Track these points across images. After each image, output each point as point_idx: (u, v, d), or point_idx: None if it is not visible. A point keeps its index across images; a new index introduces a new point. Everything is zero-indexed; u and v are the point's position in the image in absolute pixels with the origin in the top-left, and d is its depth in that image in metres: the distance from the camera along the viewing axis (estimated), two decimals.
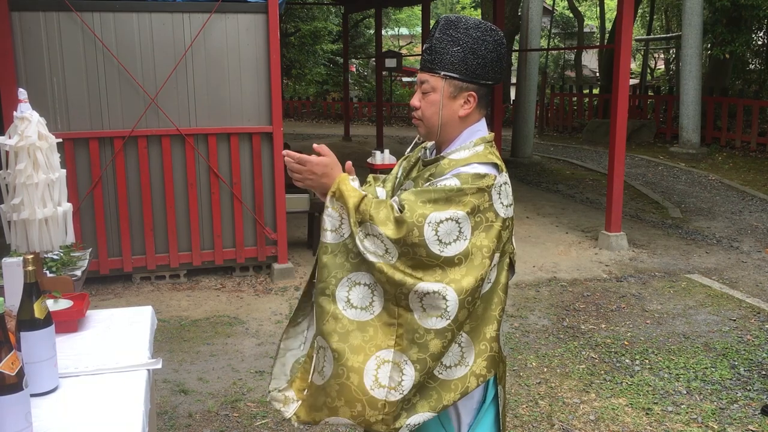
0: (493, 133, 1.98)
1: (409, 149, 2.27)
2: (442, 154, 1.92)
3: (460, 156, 1.87)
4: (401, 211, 1.76)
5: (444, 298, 1.73)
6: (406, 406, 1.79)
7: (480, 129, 1.93)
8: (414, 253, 1.73)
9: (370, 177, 2.23)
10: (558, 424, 3.67)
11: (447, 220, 1.73)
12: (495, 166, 1.85)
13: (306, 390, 1.87)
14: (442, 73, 1.85)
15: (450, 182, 1.78)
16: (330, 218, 1.82)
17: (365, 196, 1.82)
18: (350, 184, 1.83)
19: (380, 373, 1.76)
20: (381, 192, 2.15)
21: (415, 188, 1.89)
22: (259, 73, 5.86)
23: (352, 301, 1.79)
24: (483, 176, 1.79)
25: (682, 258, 6.75)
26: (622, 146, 6.86)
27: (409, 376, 1.75)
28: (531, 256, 6.68)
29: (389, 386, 1.75)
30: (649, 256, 6.79)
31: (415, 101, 1.92)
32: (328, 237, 1.83)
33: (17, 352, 1.56)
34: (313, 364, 1.86)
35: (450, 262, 1.74)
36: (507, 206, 1.85)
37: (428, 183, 1.85)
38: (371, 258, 1.76)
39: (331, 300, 1.80)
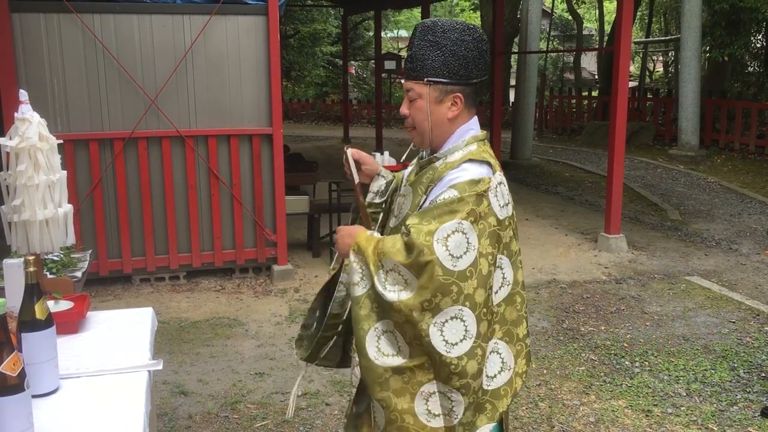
0: (486, 131, 1.98)
1: (404, 157, 2.33)
2: (436, 155, 1.93)
3: (454, 158, 1.88)
4: (408, 235, 1.77)
5: (462, 320, 1.76)
6: (468, 427, 1.83)
7: (471, 128, 1.94)
8: (429, 273, 1.73)
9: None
10: (558, 426, 3.67)
11: (454, 232, 1.74)
12: (488, 165, 1.85)
13: None
14: (426, 79, 1.87)
15: (448, 194, 1.79)
16: (355, 272, 1.86)
17: (381, 239, 1.85)
18: (367, 235, 1.89)
19: (431, 405, 1.80)
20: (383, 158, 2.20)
21: (414, 197, 1.92)
22: (259, 75, 5.87)
23: (382, 350, 1.81)
24: (478, 181, 1.80)
25: (682, 260, 6.75)
26: (621, 148, 6.87)
27: (459, 401, 1.80)
28: (530, 258, 6.69)
29: (444, 413, 1.80)
30: (648, 258, 6.80)
31: (403, 109, 1.95)
32: (355, 290, 1.85)
33: (18, 353, 1.56)
34: (372, 418, 1.89)
35: (463, 277, 1.75)
36: (503, 206, 1.86)
37: (426, 197, 1.87)
38: (390, 297, 1.76)
39: (364, 353, 1.82)
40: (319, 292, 2.11)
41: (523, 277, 1.95)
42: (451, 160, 1.88)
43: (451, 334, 1.76)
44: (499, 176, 1.87)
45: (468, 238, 1.75)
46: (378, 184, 2.17)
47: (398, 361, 1.79)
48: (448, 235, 1.74)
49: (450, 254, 1.73)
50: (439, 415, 1.80)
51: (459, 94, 1.89)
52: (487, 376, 1.86)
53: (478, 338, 1.80)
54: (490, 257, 1.80)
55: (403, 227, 1.83)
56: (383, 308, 1.80)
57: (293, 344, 2.23)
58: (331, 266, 2.06)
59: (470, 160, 1.85)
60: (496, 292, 1.86)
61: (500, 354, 1.88)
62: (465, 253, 1.75)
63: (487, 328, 1.83)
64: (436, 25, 1.87)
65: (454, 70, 1.86)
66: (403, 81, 1.94)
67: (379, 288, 1.79)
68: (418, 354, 1.78)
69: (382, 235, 2.07)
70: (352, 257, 1.86)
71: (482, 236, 1.78)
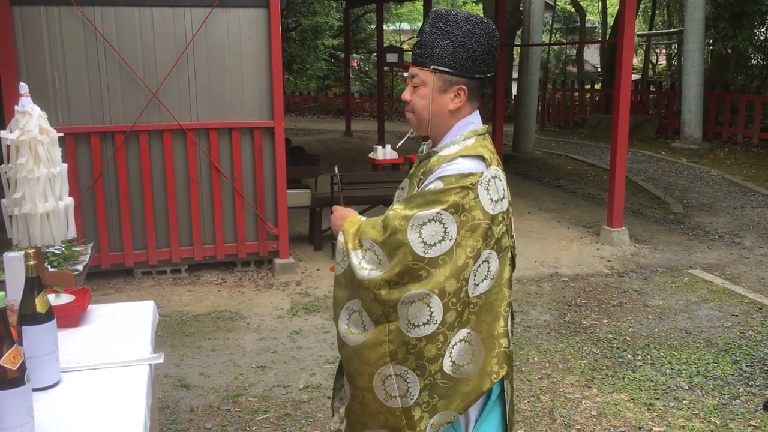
0: (487, 126, 1.97)
1: (400, 143, 2.35)
2: (435, 149, 1.92)
3: (450, 151, 1.87)
4: (386, 218, 1.82)
5: (428, 305, 1.77)
6: (427, 408, 1.85)
7: (472, 122, 1.92)
8: (401, 256, 1.76)
9: None
10: (560, 419, 3.67)
11: (431, 221, 1.76)
12: (482, 159, 1.83)
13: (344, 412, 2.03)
14: (432, 66, 1.85)
15: (434, 185, 1.80)
16: (338, 253, 1.93)
17: (366, 221, 1.92)
18: (356, 218, 1.96)
19: (387, 386, 1.84)
20: None
21: (410, 189, 1.95)
22: (260, 68, 5.85)
23: (350, 328, 1.89)
24: (467, 175, 1.79)
25: (684, 253, 6.74)
26: (624, 141, 6.85)
27: (414, 382, 1.83)
28: (532, 252, 6.68)
29: (400, 395, 1.83)
30: (650, 251, 6.79)
31: (406, 95, 1.93)
32: (337, 269, 1.94)
33: (19, 346, 1.56)
34: (344, 390, 2.02)
35: (434, 264, 1.76)
36: (497, 201, 1.83)
37: (418, 189, 1.90)
38: (361, 274, 1.82)
39: (337, 329, 1.92)
40: None
41: (511, 274, 1.92)
42: (445, 154, 1.87)
43: (415, 316, 1.78)
44: (494, 170, 1.85)
45: (446, 228, 1.76)
46: None
47: (360, 339, 1.85)
48: (424, 223, 1.76)
49: (423, 241, 1.75)
50: (396, 397, 1.83)
51: (463, 86, 1.87)
52: (455, 363, 1.84)
53: (443, 326, 1.79)
54: (469, 249, 1.78)
55: (386, 213, 1.86)
56: (355, 287, 1.85)
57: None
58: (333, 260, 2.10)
59: (463, 156, 1.83)
60: (477, 285, 1.84)
61: (471, 345, 1.86)
62: (440, 241, 1.76)
63: (455, 317, 1.80)
64: (449, 14, 1.85)
65: (462, 62, 1.84)
66: (406, 71, 1.94)
67: (355, 265, 1.83)
68: (378, 333, 1.82)
69: None
70: (339, 238, 1.93)
71: (463, 228, 1.77)
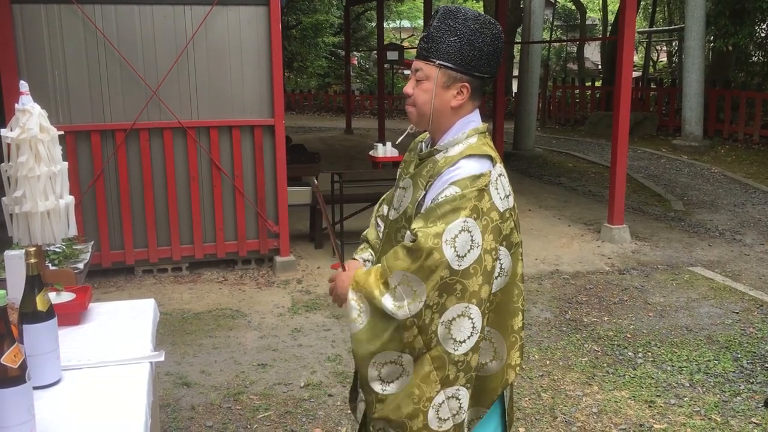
0: (487, 124, 1.96)
1: (399, 139, 2.33)
2: (436, 147, 1.91)
3: (455, 151, 1.85)
4: (414, 240, 1.75)
5: (469, 317, 1.77)
6: (452, 399, 1.85)
7: (473, 120, 1.91)
8: (439, 277, 1.72)
9: (385, 195, 2.22)
10: (560, 417, 3.67)
11: (461, 232, 1.73)
12: (489, 158, 1.83)
13: None
14: (437, 62, 1.84)
15: (449, 192, 1.76)
16: (352, 310, 1.82)
17: (382, 261, 1.82)
18: (363, 269, 1.87)
19: (441, 412, 1.81)
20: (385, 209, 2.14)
21: (414, 190, 1.89)
22: (260, 66, 5.85)
23: (388, 381, 1.80)
24: (479, 176, 1.78)
25: (685, 251, 6.74)
26: (625, 139, 6.84)
27: (465, 397, 1.83)
28: (533, 249, 6.68)
29: (452, 414, 1.82)
30: (651, 248, 6.78)
31: (408, 89, 1.92)
32: (354, 327, 1.82)
33: (20, 344, 1.56)
34: None
35: (467, 275, 1.74)
36: (504, 198, 1.84)
37: (426, 193, 1.84)
38: (402, 313, 1.73)
39: (369, 390, 1.82)
40: None
41: (523, 269, 1.94)
42: (451, 154, 1.85)
43: (459, 332, 1.76)
44: (499, 168, 1.86)
45: (472, 236, 1.74)
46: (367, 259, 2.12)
47: (404, 383, 1.79)
48: (456, 236, 1.72)
49: (457, 254, 1.72)
50: (448, 419, 1.81)
51: (467, 84, 1.86)
52: (480, 363, 1.87)
53: (482, 332, 1.81)
54: (493, 252, 1.79)
55: (408, 233, 1.80)
56: (389, 334, 1.77)
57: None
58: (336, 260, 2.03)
59: (469, 156, 1.82)
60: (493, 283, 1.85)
61: (492, 342, 1.88)
62: (469, 251, 1.74)
63: (486, 321, 1.84)
64: (458, 11, 1.85)
65: (467, 59, 1.84)
66: (406, 69, 1.92)
67: (390, 309, 1.74)
68: (423, 367, 1.77)
69: (383, 228, 2.07)
70: (350, 295, 1.82)
71: (486, 232, 1.76)
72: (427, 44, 1.86)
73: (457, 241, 1.72)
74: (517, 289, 1.90)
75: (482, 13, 1.90)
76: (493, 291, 1.84)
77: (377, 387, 1.81)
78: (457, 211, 1.73)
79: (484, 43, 1.84)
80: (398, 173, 2.10)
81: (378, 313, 1.77)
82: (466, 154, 1.82)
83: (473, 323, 1.77)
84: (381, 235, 2.10)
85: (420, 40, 1.92)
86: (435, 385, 1.79)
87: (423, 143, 2.01)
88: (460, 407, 1.82)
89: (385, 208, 2.16)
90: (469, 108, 1.91)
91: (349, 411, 2.20)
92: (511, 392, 2.05)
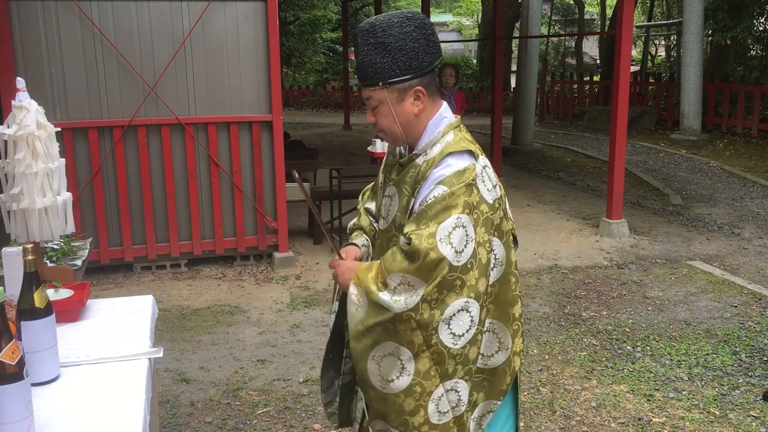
0: (459, 117, 1.94)
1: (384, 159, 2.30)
2: (415, 152, 1.89)
3: (435, 151, 1.84)
4: (409, 244, 1.75)
5: (467, 311, 1.77)
6: (469, 407, 1.87)
7: (444, 116, 1.89)
8: (438, 272, 1.72)
9: (366, 188, 2.24)
10: (559, 411, 3.67)
11: (455, 228, 1.72)
12: (470, 153, 1.82)
13: None
14: (380, 83, 1.82)
15: (437, 192, 1.76)
16: (351, 304, 1.83)
17: (381, 260, 1.83)
18: (365, 264, 1.87)
19: (441, 406, 1.82)
20: (371, 205, 2.17)
21: (400, 197, 1.89)
22: (258, 62, 5.84)
23: (385, 377, 1.80)
24: (464, 171, 1.77)
25: (684, 245, 6.74)
26: (623, 133, 6.84)
27: (464, 389, 1.83)
28: (532, 244, 6.68)
29: (451, 407, 1.83)
30: (650, 243, 6.79)
31: (369, 118, 1.91)
32: (352, 320, 1.83)
33: (18, 341, 1.56)
34: None
35: (465, 270, 1.74)
36: (491, 189, 1.83)
37: (414, 199, 1.83)
38: (398, 306, 1.74)
39: (370, 385, 1.83)
40: (326, 349, 2.15)
41: (516, 257, 1.94)
42: (431, 155, 1.84)
43: (458, 326, 1.77)
44: (483, 160, 1.85)
45: (467, 231, 1.74)
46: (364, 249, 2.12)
47: (405, 381, 1.79)
48: (450, 233, 1.72)
49: (455, 250, 1.72)
50: (447, 411, 1.82)
51: (419, 87, 1.83)
52: (483, 355, 1.87)
53: (480, 324, 1.81)
54: (487, 245, 1.79)
55: (402, 237, 1.80)
56: (384, 328, 1.77)
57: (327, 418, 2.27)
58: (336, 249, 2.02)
59: (451, 153, 1.81)
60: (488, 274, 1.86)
61: (496, 334, 1.89)
62: (466, 246, 1.74)
63: (485, 313, 1.84)
64: (374, 26, 1.81)
65: (406, 65, 1.80)
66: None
67: (386, 302, 1.75)
68: (423, 363, 1.78)
69: (375, 237, 2.07)
70: (351, 289, 1.84)
71: (477, 225, 1.76)
72: (363, 72, 1.84)
73: (452, 237, 1.72)
74: (514, 276, 1.91)
75: (396, 12, 1.85)
76: (491, 282, 1.84)
77: (377, 382, 1.80)
78: (448, 209, 1.73)
79: (413, 40, 1.80)
80: (380, 175, 2.09)
81: (374, 305, 1.78)
82: (446, 153, 1.81)
83: (471, 317, 1.78)
84: (375, 235, 2.10)
85: (356, 70, 1.88)
86: (435, 379, 1.79)
87: (402, 148, 1.98)
88: (459, 399, 1.83)
89: (371, 205, 2.16)
90: (433, 106, 1.89)
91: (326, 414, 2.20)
92: (518, 380, 2.06)
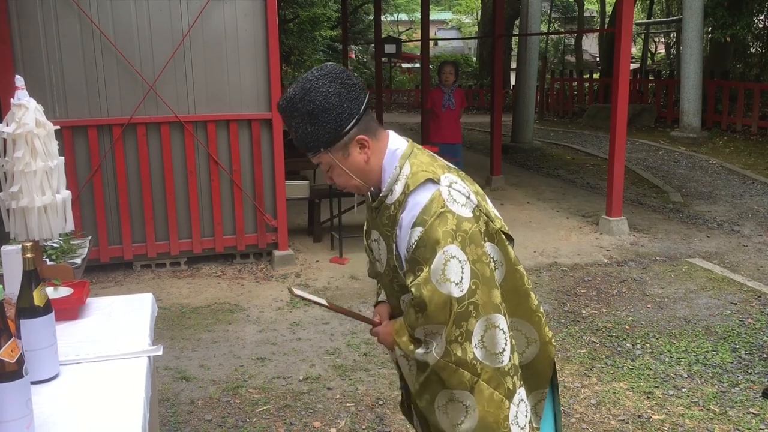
0: (409, 139, 1.92)
1: (356, 207, 2.32)
2: (382, 194, 1.88)
3: (398, 190, 1.82)
4: (413, 298, 1.77)
5: (495, 326, 1.80)
6: (520, 403, 1.91)
7: (395, 148, 1.86)
8: (451, 313, 1.74)
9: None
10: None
11: (446, 263, 1.72)
12: (429, 180, 1.79)
13: None
14: (321, 149, 1.82)
15: (415, 235, 1.75)
16: (405, 365, 1.93)
17: (404, 321, 1.89)
18: (397, 325, 1.91)
19: (519, 421, 1.87)
20: None
21: (385, 240, 1.90)
22: (257, 60, 5.83)
23: (454, 421, 1.83)
24: (431, 203, 1.75)
25: (683, 242, 6.74)
26: (623, 131, 6.84)
27: (524, 393, 1.92)
28: (531, 242, 6.68)
29: (524, 416, 1.90)
30: (650, 240, 6.79)
31: (328, 179, 1.93)
32: (409, 381, 1.93)
33: (17, 339, 1.56)
34: None
35: (472, 293, 1.75)
36: (465, 203, 1.79)
37: (396, 244, 1.85)
38: (432, 356, 1.79)
39: None
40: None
41: (514, 253, 1.93)
42: (396, 194, 1.82)
43: (493, 344, 1.79)
44: (446, 178, 1.80)
45: (458, 258, 1.73)
46: None
47: (474, 418, 1.81)
48: (443, 269, 1.72)
49: (454, 283, 1.73)
50: (525, 424, 1.89)
51: (358, 136, 1.81)
52: (517, 353, 1.91)
53: (510, 331, 1.86)
54: (483, 257, 1.78)
55: (410, 296, 1.80)
56: (437, 379, 1.81)
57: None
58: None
59: (413, 192, 1.78)
60: None
61: (520, 330, 1.92)
62: (462, 272, 1.74)
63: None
64: (292, 99, 1.78)
65: (335, 123, 1.77)
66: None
67: (422, 355, 1.81)
68: (481, 393, 1.80)
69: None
70: (397, 351, 1.91)
71: (466, 246, 1.74)
72: (302, 145, 1.84)
73: (447, 273, 1.72)
74: (518, 272, 1.89)
75: (306, 75, 1.81)
76: (497, 284, 1.85)
77: (449, 429, 1.84)
78: (431, 248, 1.72)
79: (333, 95, 1.76)
80: (366, 217, 2.09)
81: (417, 362, 1.86)
82: (410, 191, 1.79)
83: (501, 329, 1.80)
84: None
85: (296, 144, 1.88)
86: (503, 402, 1.81)
87: (369, 194, 1.98)
88: (526, 406, 1.91)
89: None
90: (380, 143, 1.86)
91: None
92: (555, 365, 2.08)
